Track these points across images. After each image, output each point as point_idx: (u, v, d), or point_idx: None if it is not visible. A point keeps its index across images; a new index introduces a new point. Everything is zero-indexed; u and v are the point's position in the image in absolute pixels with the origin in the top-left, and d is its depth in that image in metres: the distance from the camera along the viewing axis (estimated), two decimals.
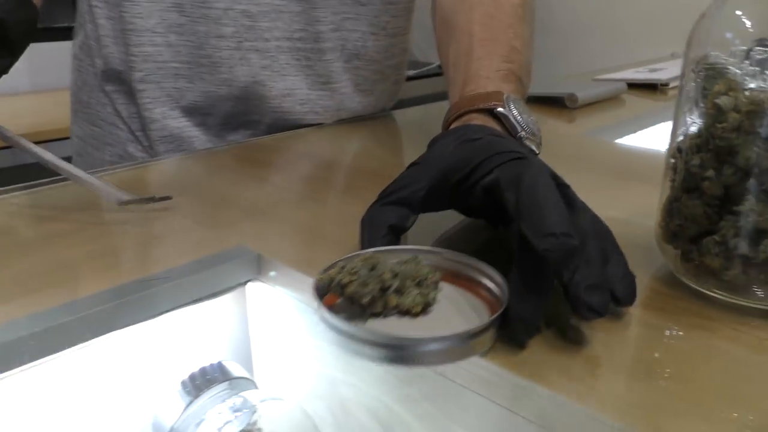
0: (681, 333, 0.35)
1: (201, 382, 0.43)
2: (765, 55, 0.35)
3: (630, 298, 0.34)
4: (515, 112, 0.47)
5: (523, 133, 0.47)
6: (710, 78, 0.34)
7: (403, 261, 0.33)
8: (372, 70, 0.80)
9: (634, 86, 1.01)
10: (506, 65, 0.53)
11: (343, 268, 0.31)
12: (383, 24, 0.78)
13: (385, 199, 0.40)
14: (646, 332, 0.35)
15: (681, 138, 0.37)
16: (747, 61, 0.35)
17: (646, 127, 0.81)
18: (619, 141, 0.77)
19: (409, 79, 2.11)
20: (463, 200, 0.41)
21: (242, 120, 0.75)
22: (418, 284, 0.32)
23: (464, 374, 0.33)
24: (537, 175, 0.35)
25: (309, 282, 0.43)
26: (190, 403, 0.42)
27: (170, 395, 0.42)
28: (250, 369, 0.51)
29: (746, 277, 0.35)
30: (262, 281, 0.47)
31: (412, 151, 0.75)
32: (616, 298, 0.33)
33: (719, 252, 0.35)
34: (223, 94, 0.73)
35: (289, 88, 0.74)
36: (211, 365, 0.44)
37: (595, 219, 0.37)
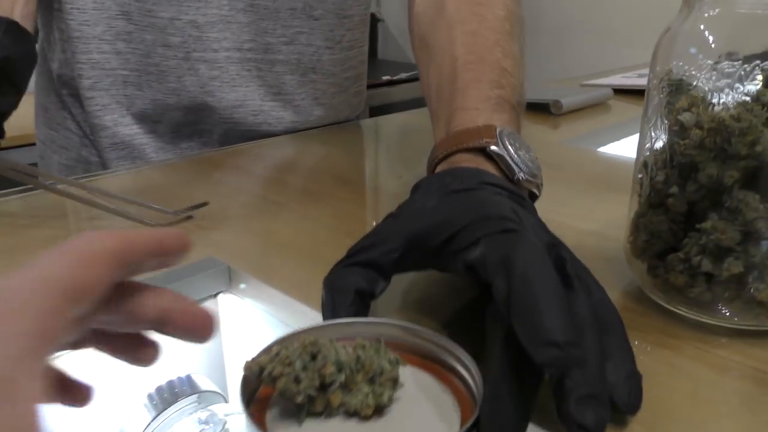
0: (646, 351, 0.35)
1: (168, 395, 0.43)
2: (733, 69, 0.35)
3: (634, 406, 0.28)
4: (511, 149, 0.40)
5: (522, 174, 0.40)
6: (674, 93, 0.34)
7: (360, 345, 0.27)
8: (329, 83, 0.79)
9: (622, 91, 1.01)
10: (496, 92, 0.46)
11: (276, 354, 0.26)
12: (338, 38, 0.77)
13: (352, 258, 0.34)
14: None
15: (647, 153, 0.37)
16: (715, 72, 0.34)
17: (631, 134, 0.81)
18: (602, 149, 0.76)
19: (403, 82, 2.12)
20: (442, 267, 0.35)
21: (193, 129, 0.75)
22: (371, 380, 0.26)
23: None
24: (530, 257, 0.29)
25: (278, 295, 0.43)
26: (156, 416, 0.41)
27: (136, 409, 0.42)
28: (223, 382, 0.51)
29: (711, 294, 0.34)
30: (232, 293, 0.46)
31: (388, 159, 0.75)
32: (616, 404, 0.28)
33: (683, 269, 0.34)
34: (171, 103, 0.72)
35: (241, 99, 0.73)
36: (180, 378, 0.44)
37: (600, 301, 0.31)
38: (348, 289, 0.32)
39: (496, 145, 0.40)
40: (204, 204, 0.53)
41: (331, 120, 0.82)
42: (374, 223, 0.58)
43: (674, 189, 0.34)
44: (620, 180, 0.62)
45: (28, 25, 0.62)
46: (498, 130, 0.41)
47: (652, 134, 0.36)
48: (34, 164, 0.82)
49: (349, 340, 0.28)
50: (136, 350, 0.27)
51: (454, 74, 0.48)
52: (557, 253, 0.31)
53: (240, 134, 0.75)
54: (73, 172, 0.77)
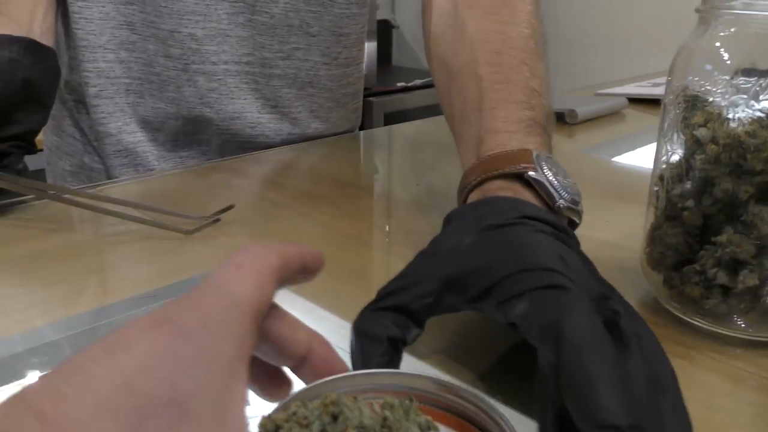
0: None
1: None
2: (749, 85, 0.35)
3: None
4: (549, 174, 0.38)
5: (562, 201, 0.37)
6: (690, 108, 0.35)
7: (389, 404, 0.24)
8: (326, 98, 0.81)
9: (636, 101, 1.01)
10: (527, 113, 0.43)
11: (294, 413, 0.23)
12: (335, 54, 0.79)
13: (382, 301, 0.31)
14: None
15: (663, 166, 0.38)
16: (730, 88, 0.35)
17: (645, 144, 0.81)
18: (616, 158, 0.77)
19: (417, 88, 2.13)
20: (481, 311, 0.32)
21: (192, 139, 0.76)
22: None
23: None
24: (581, 323, 0.26)
25: (303, 303, 0.44)
26: None
27: None
28: None
29: (726, 306, 0.35)
30: None
31: (401, 167, 0.76)
32: None
33: (699, 281, 0.35)
34: (171, 111, 0.74)
35: (239, 111, 0.74)
36: None
37: (653, 355, 0.28)
38: (379, 338, 0.30)
39: (534, 170, 0.38)
40: (230, 207, 0.54)
41: (328, 133, 0.84)
42: (387, 228, 0.59)
43: (690, 202, 0.35)
44: (635, 191, 0.63)
45: (48, 40, 0.64)
46: (534, 154, 0.39)
47: (669, 148, 0.37)
48: (42, 170, 0.85)
49: (378, 392, 0.26)
50: (271, 383, 0.26)
51: (480, 96, 0.45)
52: (609, 306, 0.28)
53: (238, 145, 0.77)
54: (78, 179, 0.79)
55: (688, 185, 0.35)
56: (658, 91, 1.04)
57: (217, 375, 0.19)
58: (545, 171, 0.38)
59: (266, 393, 0.26)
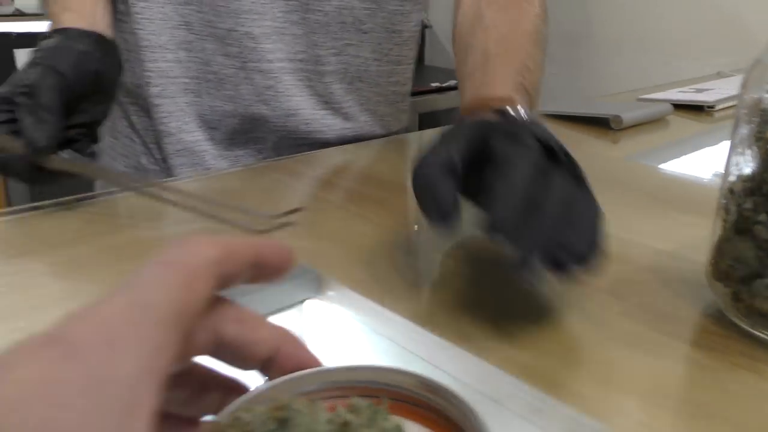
0: (729, 373, 0.36)
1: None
2: None
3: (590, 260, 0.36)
4: (524, 115, 0.50)
5: None
6: (764, 123, 0.35)
7: (354, 407, 0.21)
8: (375, 92, 0.82)
9: (680, 107, 1.01)
10: (519, 79, 0.56)
11: (237, 419, 0.20)
12: (386, 51, 0.80)
13: (437, 155, 0.41)
14: (695, 371, 0.36)
15: (733, 179, 0.38)
16: None
17: (691, 152, 0.81)
18: (663, 165, 0.77)
19: (451, 89, 2.13)
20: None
21: (248, 137, 0.78)
22: None
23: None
24: (519, 156, 0.39)
25: (364, 301, 0.45)
26: None
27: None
28: None
29: None
30: (319, 299, 0.48)
31: None
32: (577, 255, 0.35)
33: None
34: (228, 110, 0.75)
35: (294, 109, 0.76)
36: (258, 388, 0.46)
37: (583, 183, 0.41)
38: (450, 193, 0.38)
39: (515, 111, 0.50)
40: (297, 210, 0.55)
41: (380, 129, 0.85)
42: (415, 227, 0.60)
43: (762, 217, 0.35)
44: (686, 199, 0.63)
45: (110, 36, 0.66)
46: (518, 105, 0.51)
47: (740, 161, 0.37)
48: None
49: (350, 390, 0.24)
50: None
51: (485, 62, 0.59)
52: (561, 148, 0.42)
53: (293, 142, 0.78)
54: None
55: (761, 200, 0.35)
56: (703, 97, 1.03)
57: (112, 401, 0.16)
58: (522, 113, 0.50)
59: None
